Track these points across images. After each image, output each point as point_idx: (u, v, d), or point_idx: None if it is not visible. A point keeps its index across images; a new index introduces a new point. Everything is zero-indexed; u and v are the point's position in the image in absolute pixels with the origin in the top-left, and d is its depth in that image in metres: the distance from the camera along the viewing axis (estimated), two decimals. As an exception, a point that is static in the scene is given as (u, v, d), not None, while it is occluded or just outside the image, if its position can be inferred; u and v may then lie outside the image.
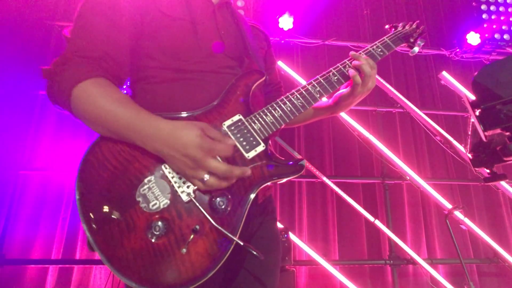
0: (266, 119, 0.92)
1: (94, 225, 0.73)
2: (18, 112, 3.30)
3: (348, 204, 3.40)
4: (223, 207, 0.80)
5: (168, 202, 0.78)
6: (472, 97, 1.09)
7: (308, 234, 3.44)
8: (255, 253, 0.77)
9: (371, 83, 1.03)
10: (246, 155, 0.86)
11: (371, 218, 3.35)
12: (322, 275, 3.27)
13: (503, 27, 3.90)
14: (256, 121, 0.91)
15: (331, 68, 1.04)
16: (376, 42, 1.11)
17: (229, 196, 0.81)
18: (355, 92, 1.04)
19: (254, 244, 0.96)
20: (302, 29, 3.88)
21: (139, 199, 0.77)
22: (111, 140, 0.81)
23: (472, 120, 1.11)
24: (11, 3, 3.41)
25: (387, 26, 1.24)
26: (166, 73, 0.96)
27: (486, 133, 1.05)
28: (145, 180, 0.79)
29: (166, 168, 0.81)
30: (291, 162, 0.90)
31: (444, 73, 3.72)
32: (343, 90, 1.09)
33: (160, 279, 0.72)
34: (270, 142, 0.94)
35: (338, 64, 1.04)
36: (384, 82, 3.71)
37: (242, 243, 0.77)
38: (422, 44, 1.16)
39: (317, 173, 3.43)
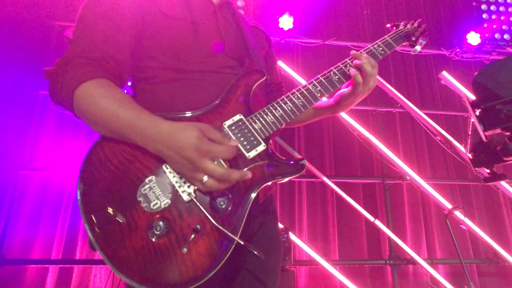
0: (267, 119, 0.92)
1: (95, 225, 0.73)
2: (18, 112, 3.30)
3: (348, 204, 3.40)
4: (223, 206, 0.80)
5: (169, 201, 0.78)
6: (472, 97, 1.09)
7: (308, 234, 3.44)
8: (256, 252, 0.77)
9: (372, 82, 1.03)
10: (247, 154, 0.86)
11: (371, 218, 3.35)
12: (322, 275, 3.27)
13: (503, 27, 3.90)
14: (257, 120, 0.91)
15: (332, 68, 1.03)
16: (377, 41, 1.10)
17: (230, 196, 0.82)
18: (356, 91, 1.04)
19: (255, 243, 0.96)
20: (302, 29, 3.88)
21: (140, 198, 0.77)
22: (112, 140, 0.82)
23: (472, 120, 1.11)
24: (11, 3, 3.41)
25: (388, 25, 1.23)
26: (166, 73, 0.96)
27: (486, 133, 1.05)
28: (146, 180, 0.79)
29: (167, 168, 0.81)
30: (292, 162, 0.89)
31: (444, 73, 3.72)
32: (344, 90, 1.09)
33: (161, 278, 0.72)
34: (271, 141, 0.94)
35: (339, 63, 1.04)
36: (384, 82, 3.71)
37: (242, 243, 0.77)
38: (424, 42, 1.16)
39: (317, 173, 3.43)
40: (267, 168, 0.87)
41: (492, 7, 3.95)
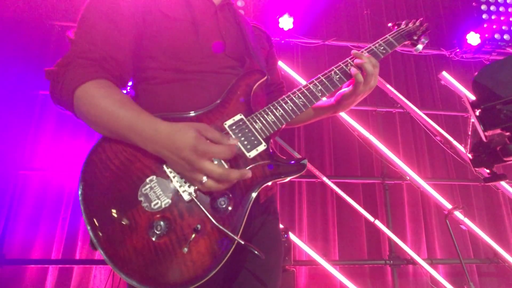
0: (268, 119, 0.92)
1: (96, 225, 0.73)
2: (18, 112, 3.30)
3: (348, 204, 3.40)
4: (224, 206, 0.80)
5: (170, 201, 0.78)
6: (472, 97, 1.09)
7: (308, 234, 3.44)
8: (256, 252, 0.77)
9: (373, 82, 1.02)
10: (247, 154, 0.86)
11: (371, 218, 3.35)
12: (322, 275, 3.27)
13: (503, 27, 3.90)
14: (257, 120, 0.91)
15: (333, 67, 1.03)
16: (379, 40, 1.10)
17: (231, 195, 0.82)
18: (357, 91, 1.03)
19: (255, 243, 0.96)
20: (302, 29, 3.88)
21: (141, 198, 0.77)
22: (113, 141, 0.82)
23: (472, 120, 1.11)
24: (11, 3, 3.41)
25: (390, 24, 1.23)
26: (167, 73, 0.96)
27: (486, 133, 1.05)
28: (147, 180, 0.79)
29: (167, 168, 0.81)
30: (292, 161, 0.89)
31: (444, 73, 3.72)
32: (345, 89, 1.08)
33: (161, 278, 0.72)
34: (271, 141, 0.94)
35: (340, 63, 1.03)
36: (384, 82, 3.72)
37: (243, 242, 0.77)
38: (426, 41, 1.15)
39: (317, 173, 3.43)
40: (268, 168, 0.87)
41: (492, 8, 3.95)
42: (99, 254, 0.71)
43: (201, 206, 0.78)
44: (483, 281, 3.61)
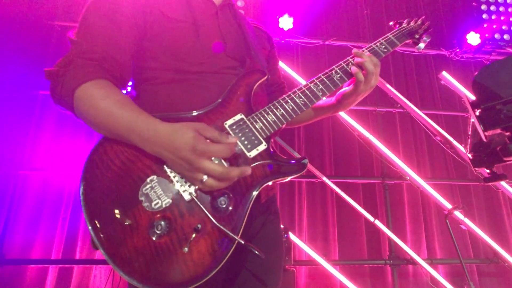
0: (268, 118, 0.92)
1: (98, 225, 0.73)
2: (18, 112, 3.30)
3: (348, 204, 3.40)
4: (224, 206, 0.80)
5: (170, 201, 0.78)
6: (472, 97, 1.09)
7: (308, 234, 3.44)
8: (256, 252, 0.77)
9: (374, 81, 1.02)
10: (248, 154, 0.86)
11: (371, 218, 3.36)
12: (322, 275, 3.27)
13: (503, 27, 3.90)
14: (258, 120, 0.91)
15: (334, 66, 1.03)
16: (380, 39, 1.09)
17: (231, 195, 0.82)
18: (358, 90, 1.02)
19: (256, 243, 0.96)
20: (302, 29, 3.88)
21: (142, 198, 0.77)
22: (114, 141, 0.82)
23: (472, 120, 1.11)
24: (11, 3, 3.41)
25: (391, 23, 1.22)
26: (167, 74, 0.96)
27: (486, 133, 1.05)
28: (148, 180, 0.79)
29: (168, 168, 0.81)
30: (293, 161, 0.90)
31: (444, 73, 3.72)
32: (345, 88, 1.07)
33: (162, 277, 0.72)
34: (272, 141, 0.94)
35: (341, 62, 1.03)
36: (384, 82, 3.72)
37: (243, 242, 0.77)
38: (428, 40, 1.14)
39: (317, 173, 3.43)
40: (269, 168, 0.87)
41: (492, 7, 3.95)
42: (99, 254, 0.71)
43: (202, 206, 0.78)
44: (483, 281, 3.61)
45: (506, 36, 3.88)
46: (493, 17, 3.93)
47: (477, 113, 1.05)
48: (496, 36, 3.88)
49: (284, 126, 0.95)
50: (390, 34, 1.12)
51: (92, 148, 0.82)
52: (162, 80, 0.96)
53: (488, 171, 1.13)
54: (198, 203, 0.78)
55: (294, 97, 0.97)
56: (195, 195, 0.79)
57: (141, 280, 0.71)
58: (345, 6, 4.27)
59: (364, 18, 4.19)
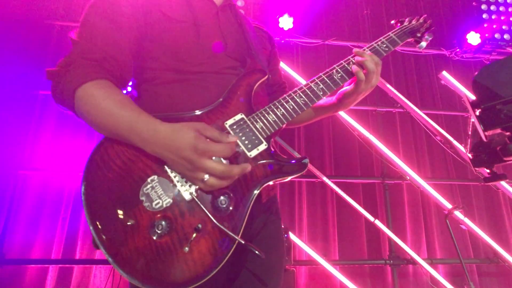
0: (269, 118, 0.92)
1: (99, 224, 0.74)
2: (18, 112, 3.30)
3: (348, 204, 3.40)
4: (225, 206, 0.80)
5: (171, 201, 0.78)
6: (472, 97, 1.09)
7: (308, 234, 3.44)
8: (256, 252, 0.77)
9: (375, 80, 1.01)
10: (248, 154, 0.86)
11: (371, 218, 3.36)
12: (322, 275, 3.27)
13: (503, 27, 3.90)
14: (258, 119, 0.91)
15: (334, 65, 1.02)
16: (381, 38, 1.09)
17: (232, 195, 0.82)
18: (359, 89, 1.02)
19: (257, 243, 0.96)
20: (302, 29, 3.88)
21: (143, 198, 0.77)
22: (115, 141, 0.82)
23: (472, 120, 1.11)
24: (11, 3, 3.41)
25: (392, 22, 1.21)
26: (167, 74, 0.96)
27: (486, 133, 1.05)
28: (149, 180, 0.79)
29: (168, 168, 0.81)
30: (293, 161, 0.90)
31: (444, 73, 3.72)
32: (346, 87, 1.07)
33: (163, 277, 0.72)
34: (272, 140, 0.93)
35: (341, 61, 1.03)
36: (384, 82, 3.72)
37: (243, 242, 0.77)
38: (430, 38, 1.13)
39: (317, 173, 3.43)
40: (269, 167, 0.87)
41: (492, 7, 3.95)
42: (99, 254, 0.72)
43: (202, 206, 0.78)
44: (483, 281, 3.62)
45: (506, 36, 3.88)
46: (493, 17, 3.94)
47: (477, 113, 1.05)
48: (496, 36, 3.88)
49: (284, 126, 0.95)
50: (392, 33, 1.11)
51: (92, 148, 0.82)
52: (162, 80, 0.97)
53: (488, 171, 1.13)
54: (199, 203, 0.78)
55: (295, 97, 0.97)
56: (195, 195, 0.79)
57: (142, 279, 0.71)
58: (345, 6, 4.27)
59: (364, 18, 4.19)
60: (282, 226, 2.89)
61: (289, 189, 3.62)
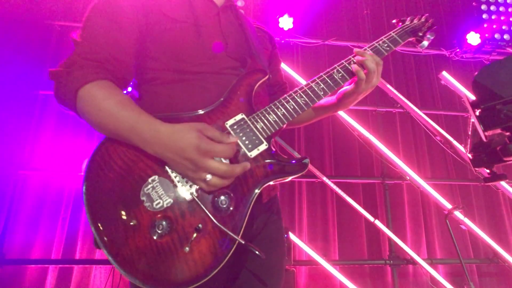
0: (269, 118, 0.92)
1: (100, 224, 0.74)
2: (18, 112, 3.30)
3: (348, 204, 3.40)
4: (225, 206, 0.80)
5: (172, 201, 0.78)
6: (472, 97, 1.08)
7: (308, 234, 3.44)
8: (256, 252, 0.77)
9: (375, 80, 1.01)
10: (248, 154, 0.86)
11: (371, 218, 3.36)
12: (322, 275, 3.27)
13: (503, 27, 3.90)
14: (259, 120, 0.91)
15: (335, 65, 1.02)
16: (382, 37, 1.08)
17: (232, 195, 0.82)
18: (359, 89, 1.02)
19: (258, 243, 0.96)
20: (302, 29, 3.88)
21: (143, 198, 0.78)
22: (117, 141, 0.83)
23: (472, 120, 1.11)
24: (11, 3, 3.41)
25: (394, 21, 1.20)
26: (168, 74, 0.97)
27: (486, 133, 1.04)
28: (149, 180, 0.80)
29: (169, 168, 0.81)
30: (294, 161, 0.90)
31: (444, 73, 3.72)
32: (346, 87, 1.07)
33: (164, 277, 0.72)
34: (273, 141, 0.93)
35: (342, 61, 1.02)
36: (384, 82, 3.72)
37: (243, 242, 0.77)
38: (432, 38, 1.12)
39: (317, 173, 3.43)
40: (270, 167, 0.87)
41: (492, 7, 3.95)
42: (99, 254, 0.72)
43: (202, 206, 0.78)
44: (483, 281, 3.62)
45: (506, 36, 3.88)
46: (493, 17, 3.94)
47: (477, 113, 1.05)
48: (496, 36, 3.88)
49: (285, 126, 0.95)
50: (393, 32, 1.10)
51: (93, 148, 0.82)
52: (162, 81, 0.97)
53: (488, 171, 1.13)
54: (199, 203, 0.78)
55: (296, 97, 0.97)
56: (196, 195, 0.79)
57: (143, 279, 0.71)
58: (345, 6, 4.27)
59: (364, 18, 4.19)
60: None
61: (289, 189, 3.62)
